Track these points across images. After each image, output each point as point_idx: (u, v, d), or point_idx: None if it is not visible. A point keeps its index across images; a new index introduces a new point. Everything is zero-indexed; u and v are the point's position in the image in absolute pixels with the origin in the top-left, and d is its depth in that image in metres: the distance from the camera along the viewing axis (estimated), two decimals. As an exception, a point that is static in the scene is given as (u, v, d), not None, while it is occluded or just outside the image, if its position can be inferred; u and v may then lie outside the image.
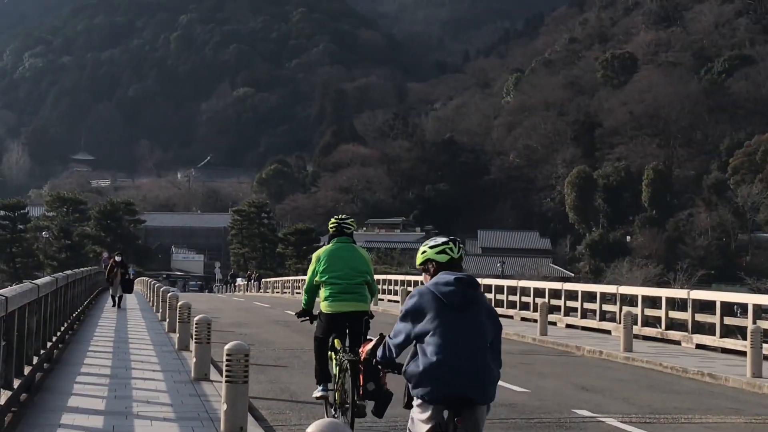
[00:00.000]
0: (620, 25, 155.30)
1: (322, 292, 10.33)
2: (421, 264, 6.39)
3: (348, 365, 9.35)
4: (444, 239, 6.43)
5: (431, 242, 6.43)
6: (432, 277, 6.27)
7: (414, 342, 6.17)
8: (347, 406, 9.40)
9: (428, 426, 6.03)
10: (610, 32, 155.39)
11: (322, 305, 10.32)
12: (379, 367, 6.78)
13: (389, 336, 6.43)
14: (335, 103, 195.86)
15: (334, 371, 9.97)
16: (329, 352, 10.19)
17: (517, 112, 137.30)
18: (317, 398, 10.47)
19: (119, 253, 35.31)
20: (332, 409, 10.00)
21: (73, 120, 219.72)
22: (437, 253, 6.32)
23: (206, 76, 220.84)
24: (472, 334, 6.05)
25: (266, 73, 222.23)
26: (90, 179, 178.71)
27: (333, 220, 10.90)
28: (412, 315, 6.14)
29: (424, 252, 6.39)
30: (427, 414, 6.04)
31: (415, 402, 6.14)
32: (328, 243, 10.67)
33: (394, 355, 6.41)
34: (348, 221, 10.86)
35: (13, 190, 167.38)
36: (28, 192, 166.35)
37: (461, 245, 6.44)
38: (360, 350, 8.34)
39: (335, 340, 10.12)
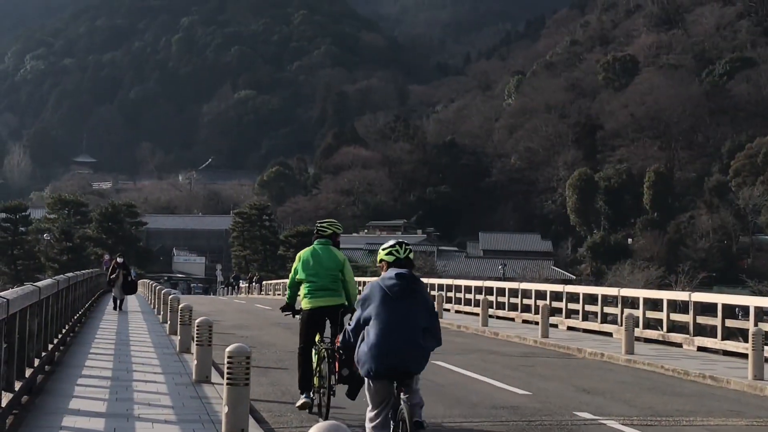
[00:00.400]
0: (621, 27, 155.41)
1: (302, 290, 11.33)
2: (378, 263, 7.94)
3: (326, 354, 10.60)
4: (393, 242, 7.92)
5: (385, 245, 7.93)
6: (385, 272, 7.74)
7: (363, 326, 7.56)
8: (324, 389, 10.63)
9: (378, 398, 7.49)
10: (611, 34, 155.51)
11: (302, 303, 11.32)
12: (340, 352, 8.36)
13: (348, 323, 7.87)
14: (336, 105, 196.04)
15: (314, 360, 10.97)
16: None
17: (519, 115, 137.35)
18: (299, 406, 11.20)
19: (121, 255, 35.07)
20: (315, 408, 11.06)
21: (75, 122, 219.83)
22: (386, 254, 7.87)
23: (208, 79, 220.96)
24: (407, 319, 7.47)
25: (268, 76, 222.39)
26: (91, 181, 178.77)
27: (318, 223, 11.92)
28: (362, 302, 7.66)
29: (379, 254, 7.92)
30: (376, 387, 7.50)
31: (366, 380, 7.59)
32: (315, 235, 11.72)
33: (352, 340, 7.77)
34: (325, 224, 11.79)
35: (14, 192, 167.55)
36: (30, 194, 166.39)
37: (408, 247, 7.89)
38: (336, 339, 9.77)
39: (316, 335, 11.22)
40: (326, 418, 10.48)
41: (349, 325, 7.86)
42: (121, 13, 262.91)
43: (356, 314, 7.77)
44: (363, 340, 7.52)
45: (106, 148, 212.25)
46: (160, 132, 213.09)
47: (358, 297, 7.92)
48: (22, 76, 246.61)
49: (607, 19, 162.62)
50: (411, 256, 7.89)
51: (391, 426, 7.44)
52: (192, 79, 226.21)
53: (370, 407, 7.59)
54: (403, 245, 7.88)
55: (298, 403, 11.21)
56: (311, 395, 11.05)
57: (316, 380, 10.96)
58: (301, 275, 11.33)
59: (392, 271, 7.70)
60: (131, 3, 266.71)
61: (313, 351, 11.03)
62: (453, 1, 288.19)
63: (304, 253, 11.52)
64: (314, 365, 11.00)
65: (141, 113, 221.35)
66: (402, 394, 7.37)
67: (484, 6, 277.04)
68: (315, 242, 11.53)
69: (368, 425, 7.63)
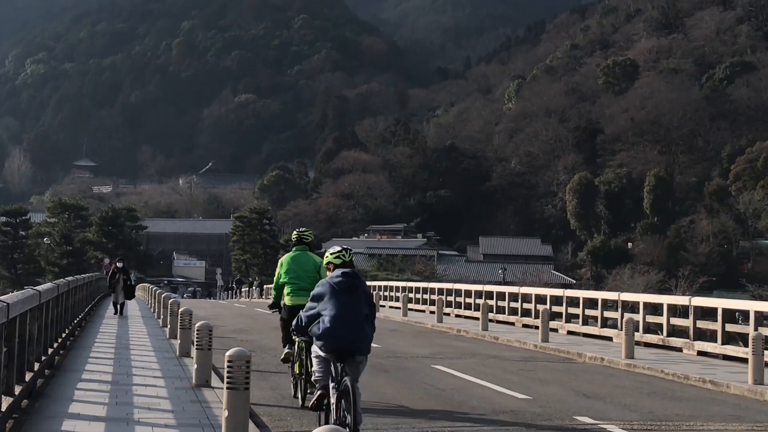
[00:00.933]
0: (621, 31, 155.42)
1: (285, 290, 13.34)
2: (326, 265, 9.93)
3: (304, 345, 12.08)
4: (339, 248, 9.90)
5: (331, 250, 9.91)
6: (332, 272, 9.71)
7: (318, 316, 9.43)
8: (304, 376, 12.26)
9: (323, 367, 9.62)
10: (611, 39, 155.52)
11: (285, 299, 13.35)
12: (294, 332, 10.28)
13: (302, 310, 9.78)
14: (337, 109, 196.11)
15: (295, 351, 12.80)
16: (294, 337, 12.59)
17: (519, 119, 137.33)
18: (283, 358, 13.36)
19: (121, 259, 34.71)
20: (293, 380, 13.05)
21: (75, 126, 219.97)
22: (334, 258, 9.80)
23: (208, 83, 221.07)
24: (353, 309, 9.32)
25: (268, 80, 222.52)
26: (92, 185, 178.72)
27: (294, 232, 13.79)
28: (317, 298, 9.54)
29: (327, 257, 9.90)
30: (322, 359, 9.58)
31: (314, 353, 9.75)
32: (291, 250, 13.64)
33: (304, 324, 9.67)
34: (306, 233, 13.71)
35: (15, 196, 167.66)
36: (30, 198, 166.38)
37: (350, 251, 9.94)
38: None
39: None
40: (304, 403, 12.08)
41: (303, 312, 9.74)
42: (122, 17, 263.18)
43: (309, 305, 9.64)
44: (317, 324, 9.41)
45: (107, 152, 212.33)
46: (161, 136, 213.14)
47: (279, 278, 11.83)
48: (22, 80, 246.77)
49: (607, 23, 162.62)
50: (352, 259, 9.92)
51: (333, 393, 9.35)
52: (192, 83, 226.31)
53: (315, 368, 9.81)
54: (348, 251, 9.89)
55: (282, 356, 13.47)
56: (293, 347, 12.85)
57: (296, 368, 12.70)
58: (284, 278, 13.29)
59: (339, 271, 9.62)
60: (132, 7, 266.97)
61: (296, 343, 12.61)
62: (453, 5, 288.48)
63: (285, 258, 13.50)
64: (296, 354, 12.72)
65: (141, 117, 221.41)
66: (345, 373, 9.20)
67: (484, 10, 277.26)
68: (295, 248, 13.43)
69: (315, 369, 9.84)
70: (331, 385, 9.39)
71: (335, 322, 9.22)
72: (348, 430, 8.88)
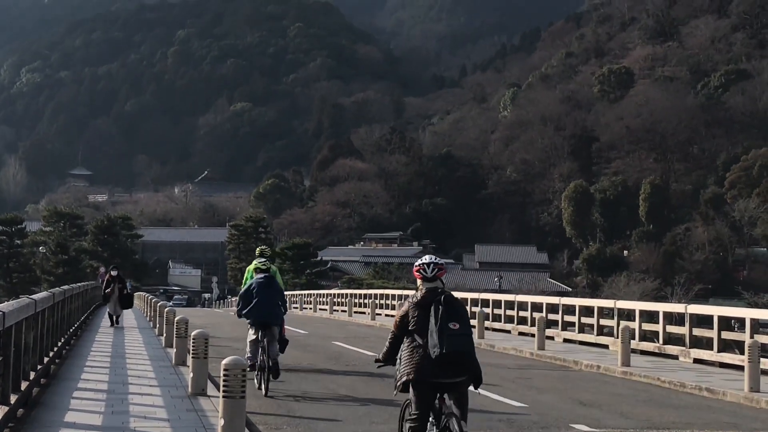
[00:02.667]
0: (617, 39, 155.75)
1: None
2: (254, 270, 15.87)
3: (266, 343, 14.89)
4: (263, 259, 15.93)
5: (257, 262, 15.89)
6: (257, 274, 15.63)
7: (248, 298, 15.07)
8: (263, 371, 14.68)
9: (253, 336, 15.25)
10: (606, 47, 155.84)
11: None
12: (238, 315, 15.53)
13: (238, 298, 15.52)
14: (333, 117, 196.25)
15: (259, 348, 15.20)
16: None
17: (514, 127, 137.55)
18: (249, 367, 14.20)
19: (115, 268, 33.29)
20: (257, 373, 15.01)
21: (71, 135, 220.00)
22: (261, 264, 15.73)
23: (204, 91, 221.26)
24: (270, 296, 14.91)
25: (264, 88, 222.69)
26: (87, 194, 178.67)
27: (258, 249, 17.63)
28: (248, 288, 15.10)
29: (254, 265, 15.97)
30: (252, 330, 15.22)
31: (248, 325, 15.43)
32: (257, 256, 16.97)
33: (241, 308, 15.17)
34: (265, 250, 17.59)
35: (10, 204, 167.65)
36: (26, 207, 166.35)
37: (270, 261, 15.75)
38: None
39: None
40: (267, 392, 14.33)
41: (240, 299, 15.43)
42: (117, 26, 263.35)
43: (242, 293, 15.42)
44: (246, 306, 15.05)
45: (102, 161, 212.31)
46: (156, 144, 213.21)
47: (244, 285, 16.08)
48: (18, 89, 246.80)
49: (602, 31, 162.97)
50: (270, 267, 15.99)
51: (260, 356, 14.80)
52: (188, 91, 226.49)
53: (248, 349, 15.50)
54: (268, 262, 15.98)
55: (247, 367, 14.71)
56: (256, 362, 15.08)
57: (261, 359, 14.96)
58: (243, 291, 16.29)
59: (261, 274, 15.47)
60: (127, 16, 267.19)
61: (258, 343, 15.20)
62: (449, 13, 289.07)
63: (249, 270, 17.22)
64: (258, 351, 15.08)
65: (137, 126, 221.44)
66: (265, 339, 14.76)
67: (479, 19, 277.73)
68: (256, 260, 16.38)
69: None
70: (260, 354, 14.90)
71: (257, 306, 14.93)
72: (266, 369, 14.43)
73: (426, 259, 8.37)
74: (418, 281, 8.35)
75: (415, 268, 8.36)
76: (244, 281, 16.96)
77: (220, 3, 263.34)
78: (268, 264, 15.85)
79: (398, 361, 8.26)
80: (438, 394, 8.13)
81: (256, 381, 14.76)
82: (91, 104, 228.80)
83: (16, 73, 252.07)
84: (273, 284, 15.14)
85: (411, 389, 8.04)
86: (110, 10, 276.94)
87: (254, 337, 15.16)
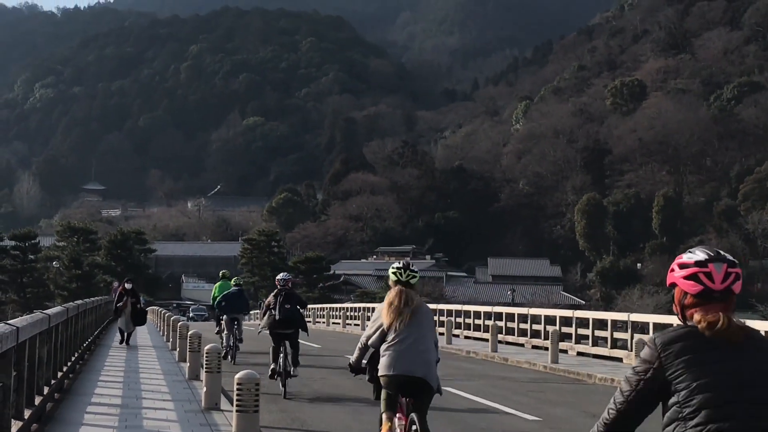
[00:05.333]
0: (629, 52, 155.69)
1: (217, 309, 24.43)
2: (234, 284, 25.20)
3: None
4: (236, 278, 26.44)
5: (233, 280, 25.96)
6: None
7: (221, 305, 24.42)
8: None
9: (224, 324, 24.17)
10: (618, 60, 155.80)
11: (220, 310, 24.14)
12: (216, 311, 25.09)
13: (216, 304, 24.64)
14: (345, 131, 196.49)
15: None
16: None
17: (527, 140, 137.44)
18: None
19: (129, 280, 30.81)
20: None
21: (84, 150, 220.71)
22: (234, 282, 25.57)
23: (216, 106, 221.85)
24: (237, 304, 23.91)
25: (276, 102, 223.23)
26: (100, 209, 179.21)
27: (222, 271, 27.71)
28: (222, 298, 24.08)
29: (232, 281, 25.99)
30: (222, 322, 24.35)
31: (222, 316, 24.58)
32: (220, 278, 27.10)
33: (217, 311, 24.87)
34: (227, 272, 27.23)
35: (24, 220, 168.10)
36: (39, 222, 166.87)
37: (239, 280, 26.09)
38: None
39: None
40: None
41: (216, 305, 24.22)
42: (130, 41, 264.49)
43: (218, 302, 24.02)
44: (221, 308, 23.88)
45: (115, 176, 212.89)
46: (169, 159, 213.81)
47: (218, 298, 24.57)
48: (31, 105, 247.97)
49: (614, 44, 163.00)
50: (241, 283, 25.69)
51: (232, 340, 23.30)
52: (200, 106, 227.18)
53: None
54: (238, 278, 26.43)
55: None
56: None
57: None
58: (218, 297, 24.77)
59: (234, 288, 24.28)
60: (139, 31, 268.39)
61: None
62: (460, 27, 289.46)
63: (218, 285, 26.66)
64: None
65: (150, 141, 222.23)
66: (235, 328, 23.17)
67: (491, 32, 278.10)
68: (222, 280, 26.48)
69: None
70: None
71: (227, 304, 23.45)
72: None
73: None
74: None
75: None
76: (213, 293, 26.82)
77: (232, 18, 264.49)
78: (240, 282, 26.16)
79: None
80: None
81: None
82: (104, 119, 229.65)
83: (29, 89, 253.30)
84: (242, 296, 24.36)
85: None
86: (123, 25, 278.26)
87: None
